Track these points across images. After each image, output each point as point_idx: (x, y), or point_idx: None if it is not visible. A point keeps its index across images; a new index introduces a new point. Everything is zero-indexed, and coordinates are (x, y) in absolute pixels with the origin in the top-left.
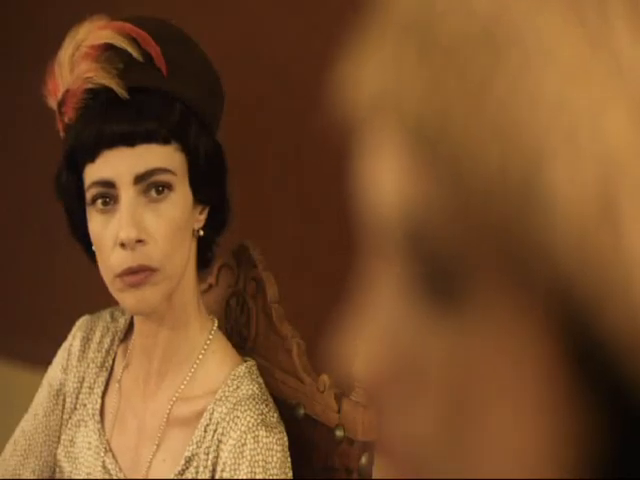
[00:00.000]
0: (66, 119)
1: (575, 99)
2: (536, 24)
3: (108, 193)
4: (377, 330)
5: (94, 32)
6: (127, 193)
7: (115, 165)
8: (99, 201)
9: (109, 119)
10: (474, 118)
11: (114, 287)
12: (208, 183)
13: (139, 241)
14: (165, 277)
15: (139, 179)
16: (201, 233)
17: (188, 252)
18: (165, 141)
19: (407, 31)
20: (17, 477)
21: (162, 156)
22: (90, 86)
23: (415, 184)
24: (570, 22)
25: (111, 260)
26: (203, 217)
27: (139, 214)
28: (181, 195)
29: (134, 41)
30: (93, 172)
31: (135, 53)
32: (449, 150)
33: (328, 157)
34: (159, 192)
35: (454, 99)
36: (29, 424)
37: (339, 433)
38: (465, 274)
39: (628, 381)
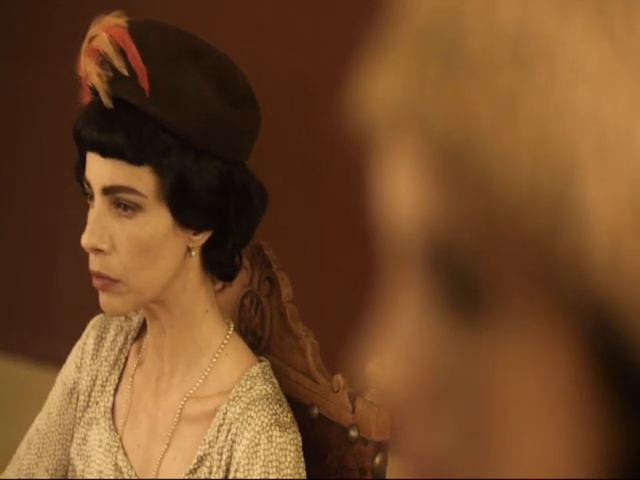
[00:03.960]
0: (84, 100)
1: (604, 112)
2: (564, 37)
3: (91, 192)
4: (400, 344)
5: (100, 32)
6: (98, 200)
7: (92, 169)
8: (89, 195)
9: (90, 122)
10: (502, 133)
11: None
12: (192, 210)
13: (98, 250)
14: (130, 290)
15: (106, 191)
16: (193, 254)
17: (168, 271)
18: (135, 161)
19: (430, 44)
20: (31, 476)
21: (130, 176)
22: (89, 84)
23: (440, 198)
24: (597, 34)
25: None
26: (201, 238)
27: (106, 223)
28: (153, 217)
29: (124, 54)
30: (86, 166)
31: (121, 67)
32: (477, 165)
33: (345, 157)
34: (126, 209)
35: (482, 114)
36: (43, 423)
37: (353, 433)
38: (492, 287)
39: None
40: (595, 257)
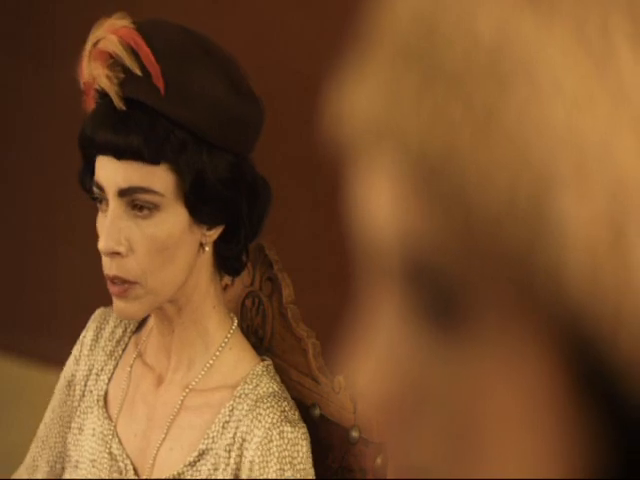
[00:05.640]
0: (88, 107)
1: (583, 127)
2: (542, 51)
3: (103, 196)
4: (378, 357)
5: (107, 34)
6: (113, 203)
7: (105, 172)
8: (98, 200)
9: (103, 125)
10: (481, 148)
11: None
12: (209, 205)
13: (116, 253)
14: (148, 292)
15: (123, 193)
16: (206, 249)
17: (184, 269)
18: (153, 160)
19: (408, 57)
20: (35, 468)
21: (147, 176)
22: (97, 87)
23: (418, 212)
24: (576, 49)
25: (102, 262)
26: (213, 233)
27: (122, 226)
28: (170, 215)
29: (136, 54)
30: (95, 171)
31: (134, 67)
32: (455, 180)
33: (344, 157)
34: (143, 210)
35: (460, 129)
36: (47, 417)
37: (354, 434)
38: (470, 301)
39: None
40: (573, 273)
